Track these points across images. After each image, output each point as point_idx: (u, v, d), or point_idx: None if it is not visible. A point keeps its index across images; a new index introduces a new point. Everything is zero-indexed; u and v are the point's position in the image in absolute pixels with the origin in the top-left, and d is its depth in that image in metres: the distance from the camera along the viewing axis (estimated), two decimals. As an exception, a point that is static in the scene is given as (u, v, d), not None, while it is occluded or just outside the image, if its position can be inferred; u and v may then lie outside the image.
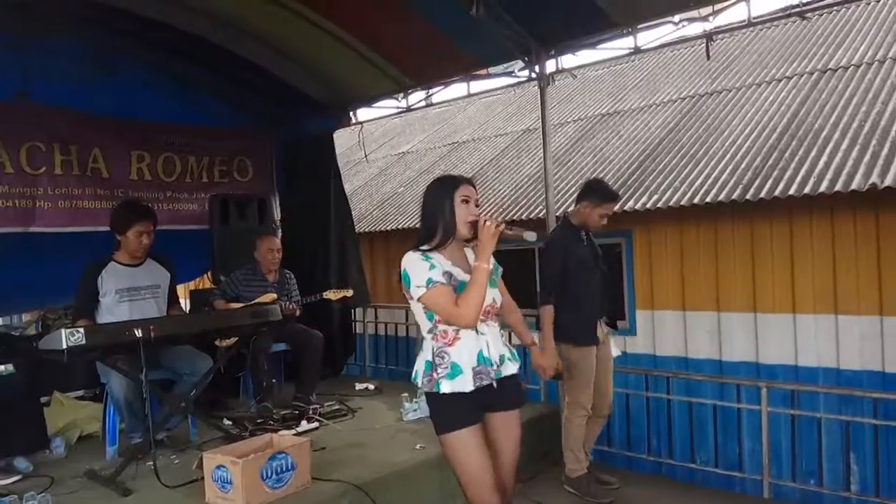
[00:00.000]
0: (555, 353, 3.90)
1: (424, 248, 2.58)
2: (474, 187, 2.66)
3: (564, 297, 3.96)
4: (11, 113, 5.15)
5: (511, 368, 2.66)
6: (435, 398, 2.57)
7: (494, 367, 2.58)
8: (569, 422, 4.15)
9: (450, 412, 2.54)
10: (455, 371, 2.52)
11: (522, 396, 2.79)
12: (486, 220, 2.53)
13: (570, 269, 3.97)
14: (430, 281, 2.48)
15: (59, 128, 5.45)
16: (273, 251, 5.26)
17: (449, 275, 2.54)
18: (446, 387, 2.50)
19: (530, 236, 2.59)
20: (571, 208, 4.29)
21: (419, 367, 2.63)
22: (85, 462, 3.94)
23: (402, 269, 2.56)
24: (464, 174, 2.82)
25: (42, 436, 4.02)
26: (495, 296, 2.67)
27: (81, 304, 4.04)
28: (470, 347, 2.55)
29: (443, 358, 2.54)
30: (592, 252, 4.14)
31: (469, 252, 2.69)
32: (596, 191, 4.06)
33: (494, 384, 2.57)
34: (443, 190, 2.62)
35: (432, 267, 2.51)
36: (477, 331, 2.56)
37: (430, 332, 2.59)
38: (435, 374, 2.54)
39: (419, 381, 2.61)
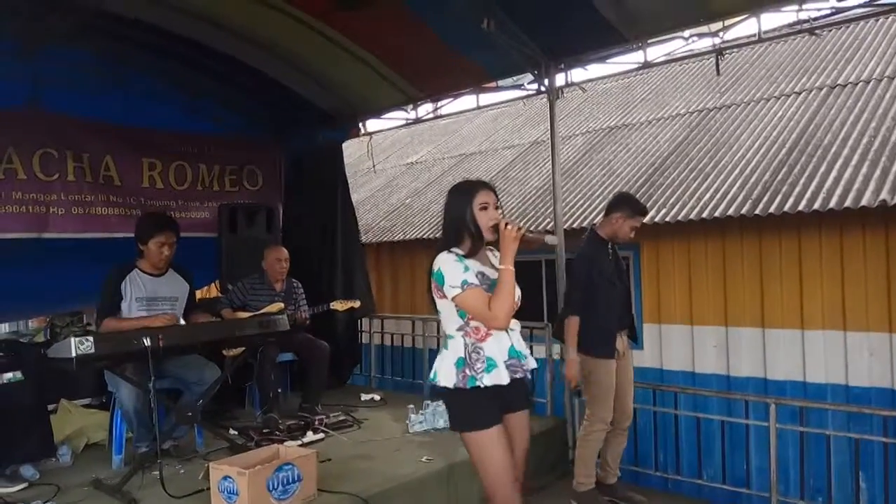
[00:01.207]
0: (577, 366, 3.99)
1: (457, 251, 2.65)
2: (493, 191, 2.73)
3: (587, 309, 4.00)
4: (24, 120, 5.19)
5: (533, 363, 2.77)
6: (466, 395, 2.61)
7: (525, 361, 2.71)
8: (587, 434, 4.14)
9: (481, 409, 2.61)
10: (491, 365, 2.60)
11: (530, 397, 2.89)
12: (507, 224, 2.60)
13: (595, 281, 4.02)
14: (465, 283, 2.56)
15: (70, 135, 5.50)
16: (281, 261, 5.28)
17: (482, 275, 2.64)
18: (487, 380, 2.58)
19: (552, 240, 2.67)
20: (599, 220, 4.32)
21: (447, 366, 2.64)
22: (91, 471, 3.95)
23: (436, 268, 2.62)
24: (481, 178, 2.87)
25: (49, 443, 4.01)
26: (517, 294, 2.74)
27: (108, 304, 4.04)
28: (501, 343, 2.65)
29: (478, 353, 2.61)
30: (617, 266, 4.19)
31: (490, 254, 2.78)
32: (629, 203, 4.13)
33: (528, 376, 2.72)
34: (461, 201, 2.68)
35: (466, 269, 2.60)
36: (507, 329, 2.66)
37: (459, 329, 2.65)
38: (468, 371, 2.60)
39: (445, 381, 2.62)
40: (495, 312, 2.54)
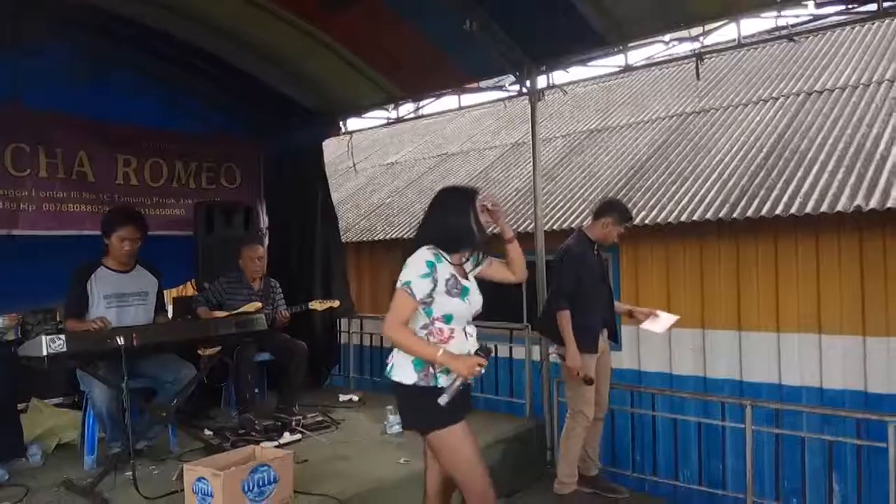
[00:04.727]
0: (579, 357, 4.08)
1: (442, 253, 2.68)
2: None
3: (574, 304, 4.11)
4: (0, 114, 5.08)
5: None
6: (430, 394, 2.59)
7: None
8: (570, 430, 4.25)
9: (446, 407, 2.59)
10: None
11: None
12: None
13: (583, 278, 4.14)
14: (408, 283, 2.59)
15: (45, 130, 5.40)
16: (254, 259, 5.22)
17: (454, 279, 2.67)
18: (443, 381, 2.60)
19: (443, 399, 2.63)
20: (587, 222, 4.47)
21: (405, 363, 2.65)
22: (62, 471, 3.89)
23: (409, 259, 2.67)
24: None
25: (18, 443, 3.95)
26: (479, 302, 2.81)
27: (72, 304, 3.99)
28: (461, 346, 2.65)
29: None
30: (601, 267, 4.32)
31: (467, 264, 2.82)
32: (619, 209, 4.27)
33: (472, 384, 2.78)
34: (462, 206, 2.72)
35: (425, 276, 2.60)
36: (465, 333, 2.71)
37: (424, 328, 2.67)
38: (432, 369, 2.61)
39: (403, 377, 2.63)
40: (397, 332, 2.58)
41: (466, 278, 2.76)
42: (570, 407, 4.30)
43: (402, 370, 2.65)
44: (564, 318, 4.09)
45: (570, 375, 4.20)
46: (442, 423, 2.62)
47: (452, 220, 2.71)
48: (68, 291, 4.01)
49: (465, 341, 2.69)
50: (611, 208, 4.27)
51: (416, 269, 2.61)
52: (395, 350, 2.70)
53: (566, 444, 4.25)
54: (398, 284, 2.61)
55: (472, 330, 2.76)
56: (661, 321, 4.41)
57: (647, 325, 4.42)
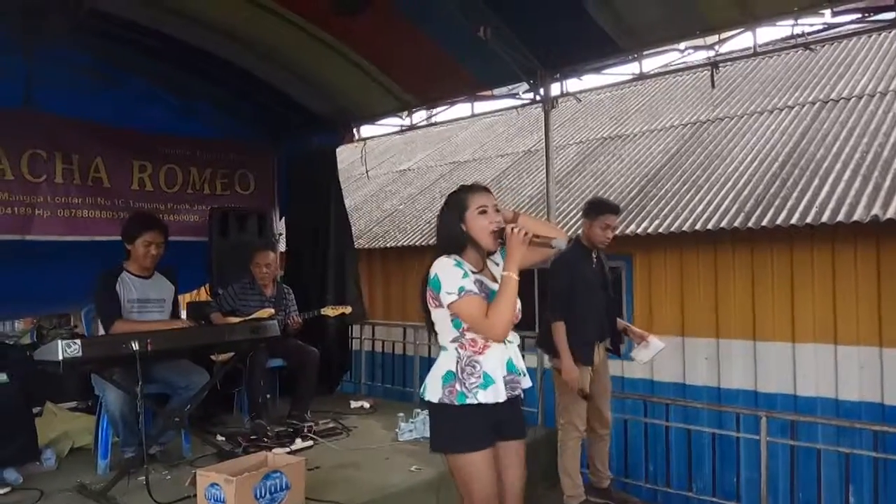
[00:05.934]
0: (576, 370, 3.95)
1: (456, 256, 2.49)
2: (490, 193, 2.57)
3: (566, 314, 4.00)
4: (15, 119, 5.13)
5: (527, 382, 2.59)
6: (453, 412, 2.43)
7: (522, 377, 2.54)
8: (563, 444, 4.17)
9: (469, 429, 2.43)
10: (488, 381, 2.42)
11: (524, 424, 2.72)
12: (513, 228, 2.43)
13: (576, 287, 4.02)
14: (462, 289, 2.39)
15: (61, 136, 5.45)
16: (261, 266, 5.22)
17: (480, 283, 2.47)
18: (482, 397, 2.40)
19: (558, 243, 2.55)
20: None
21: (435, 379, 2.48)
22: (76, 475, 3.88)
23: (433, 274, 2.46)
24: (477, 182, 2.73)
25: (33, 447, 3.95)
26: (518, 304, 2.55)
27: (107, 307, 3.96)
28: (500, 356, 2.47)
29: (474, 367, 2.43)
30: (601, 274, 4.19)
31: (492, 265, 2.61)
32: (592, 206, 4.15)
33: (522, 395, 2.53)
34: (452, 215, 2.53)
35: (465, 275, 2.42)
36: (505, 340, 2.49)
37: (454, 341, 2.47)
38: (458, 386, 2.42)
39: (431, 396, 2.48)
40: (493, 321, 2.36)
41: (496, 281, 2.50)
42: (561, 417, 4.18)
43: (431, 387, 2.48)
44: (559, 330, 3.97)
45: (563, 388, 4.09)
46: (455, 447, 2.46)
47: (445, 233, 2.55)
48: (99, 296, 3.99)
49: (504, 349, 2.49)
50: (585, 208, 4.15)
51: (452, 273, 2.42)
52: (431, 369, 2.54)
53: (562, 459, 4.15)
54: (451, 299, 2.39)
55: (512, 337, 2.52)
56: (650, 349, 4.23)
57: (634, 353, 4.28)
